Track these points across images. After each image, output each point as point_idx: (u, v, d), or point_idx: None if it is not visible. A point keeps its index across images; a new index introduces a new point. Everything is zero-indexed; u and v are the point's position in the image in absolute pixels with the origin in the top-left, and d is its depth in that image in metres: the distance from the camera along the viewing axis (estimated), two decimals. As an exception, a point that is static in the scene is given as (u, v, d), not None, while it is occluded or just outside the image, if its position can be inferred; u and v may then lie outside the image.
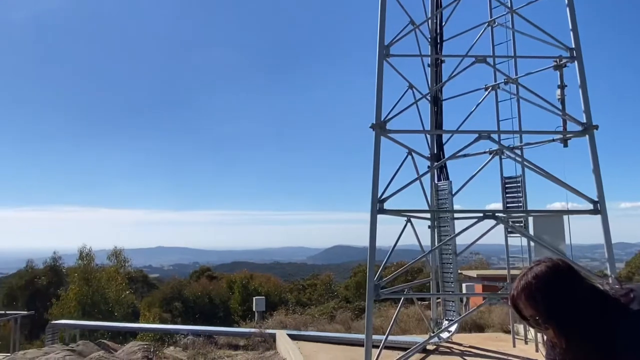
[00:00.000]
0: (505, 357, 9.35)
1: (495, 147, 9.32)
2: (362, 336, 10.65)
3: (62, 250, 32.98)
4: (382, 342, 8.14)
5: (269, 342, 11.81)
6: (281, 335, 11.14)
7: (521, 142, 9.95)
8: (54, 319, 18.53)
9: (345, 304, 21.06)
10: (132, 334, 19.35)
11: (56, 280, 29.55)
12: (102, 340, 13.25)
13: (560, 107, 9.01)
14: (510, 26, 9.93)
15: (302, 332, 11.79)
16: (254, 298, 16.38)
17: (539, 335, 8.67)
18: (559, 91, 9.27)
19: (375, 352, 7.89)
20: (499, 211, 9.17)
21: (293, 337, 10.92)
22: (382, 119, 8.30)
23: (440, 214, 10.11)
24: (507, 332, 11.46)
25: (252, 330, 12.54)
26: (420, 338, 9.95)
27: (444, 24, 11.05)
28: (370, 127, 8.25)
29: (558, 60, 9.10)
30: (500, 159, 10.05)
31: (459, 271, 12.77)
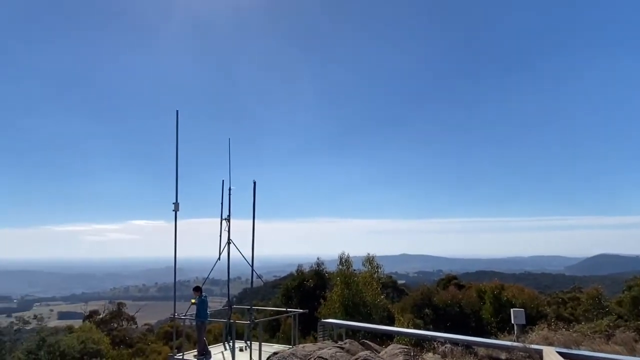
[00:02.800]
0: None
1: None
2: (656, 362, 8.95)
3: (323, 256, 37.00)
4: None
5: (534, 358, 10.91)
6: (550, 352, 10.17)
7: None
8: (322, 317, 20.78)
9: (623, 322, 18.03)
10: (388, 337, 20.33)
11: (321, 283, 33.31)
12: (365, 341, 14.19)
13: None
14: None
15: (575, 351, 10.54)
16: (511, 310, 15.37)
17: None
18: None
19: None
20: None
21: (564, 356, 9.86)
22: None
23: None
24: None
25: (515, 344, 11.76)
26: None
27: None
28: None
29: None
30: None
31: None
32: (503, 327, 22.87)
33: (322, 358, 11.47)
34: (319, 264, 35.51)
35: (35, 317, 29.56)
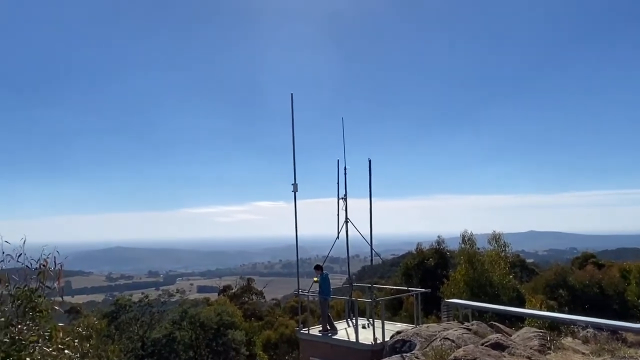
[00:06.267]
0: None
1: None
2: None
3: (442, 234, 35.94)
4: None
5: (700, 348, 9.46)
6: None
7: None
8: (445, 297, 20.16)
9: None
10: (518, 319, 19.12)
11: (442, 262, 32.43)
12: (494, 323, 13.45)
13: None
14: None
15: None
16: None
17: None
18: None
19: None
20: None
21: None
22: None
23: None
24: None
25: (674, 331, 10.30)
26: None
27: None
28: None
29: None
30: None
31: None
32: (656, 311, 20.39)
33: (449, 339, 11.04)
34: (440, 242, 34.55)
35: (177, 290, 32.98)
